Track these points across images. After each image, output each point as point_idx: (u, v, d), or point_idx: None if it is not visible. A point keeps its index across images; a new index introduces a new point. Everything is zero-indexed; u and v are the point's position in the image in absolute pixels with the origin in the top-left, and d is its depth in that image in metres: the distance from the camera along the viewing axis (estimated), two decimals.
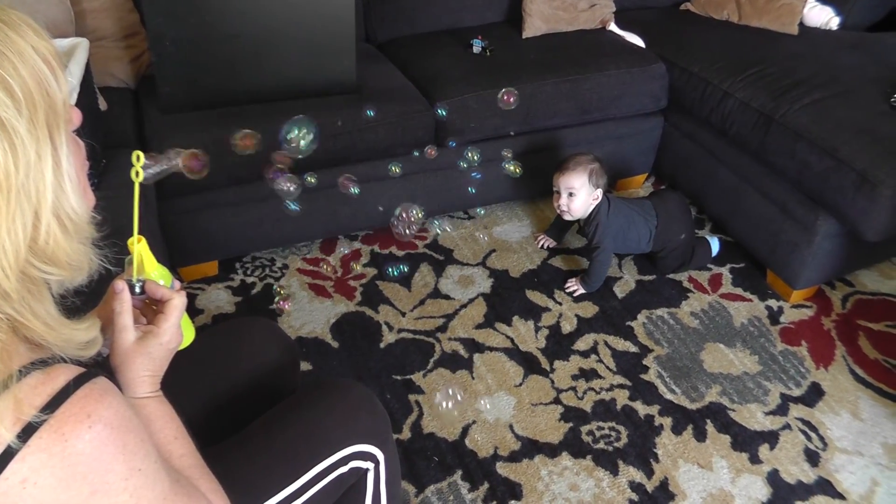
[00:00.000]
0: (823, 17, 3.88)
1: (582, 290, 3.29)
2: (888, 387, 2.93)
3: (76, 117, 1.10)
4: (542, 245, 3.57)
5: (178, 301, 1.32)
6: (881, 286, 3.45)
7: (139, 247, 1.33)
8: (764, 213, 3.31)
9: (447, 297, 3.27)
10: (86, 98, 2.47)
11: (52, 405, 0.96)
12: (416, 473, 2.52)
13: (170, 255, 3.01)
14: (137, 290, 1.32)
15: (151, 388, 1.30)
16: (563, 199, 3.24)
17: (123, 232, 1.30)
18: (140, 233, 1.34)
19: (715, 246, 3.53)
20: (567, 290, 3.31)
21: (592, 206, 3.27)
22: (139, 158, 1.32)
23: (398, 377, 2.88)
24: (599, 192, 3.26)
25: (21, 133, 0.95)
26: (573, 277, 3.34)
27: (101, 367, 1.12)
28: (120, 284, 1.29)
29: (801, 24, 3.85)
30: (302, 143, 1.84)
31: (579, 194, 3.21)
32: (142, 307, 1.39)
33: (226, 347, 1.87)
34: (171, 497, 1.11)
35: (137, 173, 1.32)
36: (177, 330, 1.32)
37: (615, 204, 3.32)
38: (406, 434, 2.66)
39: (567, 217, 3.31)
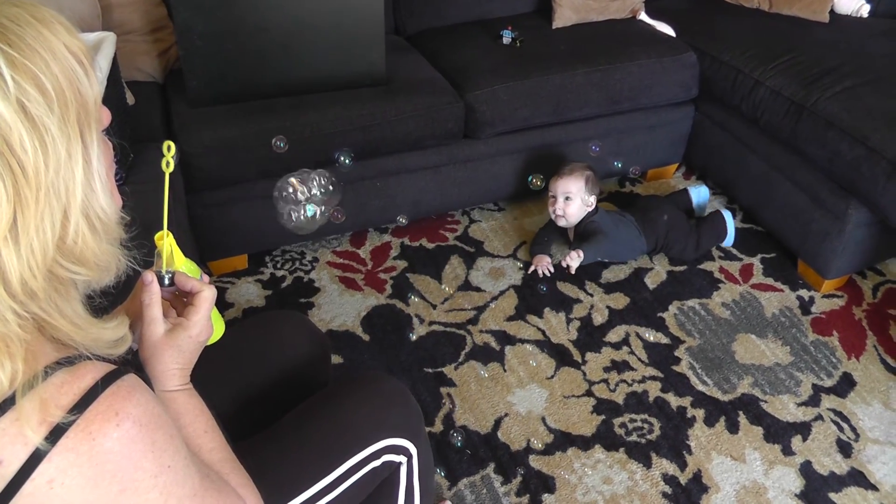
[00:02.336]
0: (854, 5, 3.84)
1: (576, 262, 3.21)
2: None
3: (105, 117, 1.10)
4: (541, 273, 3.37)
5: (209, 293, 1.32)
6: None
7: (168, 239, 1.33)
8: (795, 203, 3.28)
9: (478, 290, 3.26)
10: (113, 92, 2.47)
11: (80, 406, 0.95)
12: (448, 466, 2.52)
13: (199, 249, 3.01)
14: (167, 281, 1.32)
15: (181, 381, 1.29)
16: (560, 203, 3.28)
17: (152, 230, 1.30)
18: (169, 225, 1.34)
19: (728, 218, 3.51)
20: (564, 264, 3.24)
21: (585, 213, 3.31)
22: (170, 148, 1.31)
23: (429, 370, 2.87)
24: (593, 200, 3.31)
25: (52, 131, 0.95)
26: (574, 250, 3.25)
27: (129, 362, 1.12)
28: (149, 276, 1.29)
29: (832, 12, 3.82)
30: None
31: (575, 199, 3.25)
32: (171, 300, 1.39)
33: (256, 341, 1.87)
34: (202, 493, 1.11)
35: (168, 163, 1.31)
36: (207, 322, 1.31)
37: (605, 211, 3.39)
38: (438, 427, 2.65)
39: (562, 223, 3.33)
